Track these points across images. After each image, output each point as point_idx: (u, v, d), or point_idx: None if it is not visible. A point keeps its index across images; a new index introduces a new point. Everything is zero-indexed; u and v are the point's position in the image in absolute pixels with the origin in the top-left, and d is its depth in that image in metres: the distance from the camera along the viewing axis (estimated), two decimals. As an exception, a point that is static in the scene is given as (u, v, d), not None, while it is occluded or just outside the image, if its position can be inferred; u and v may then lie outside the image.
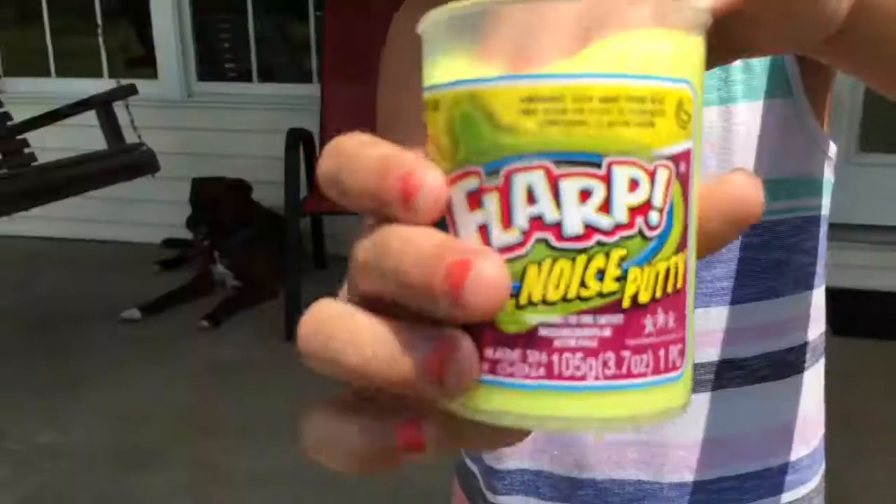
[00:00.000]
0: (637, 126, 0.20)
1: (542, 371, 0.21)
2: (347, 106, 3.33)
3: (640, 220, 0.21)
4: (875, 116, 3.41)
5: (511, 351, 0.21)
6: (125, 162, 3.15)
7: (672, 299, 0.22)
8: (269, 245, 3.47)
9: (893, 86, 0.44)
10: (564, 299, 0.21)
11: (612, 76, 0.20)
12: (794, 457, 0.64)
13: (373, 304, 0.23)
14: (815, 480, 0.66)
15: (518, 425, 0.22)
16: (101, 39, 3.73)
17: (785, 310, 0.60)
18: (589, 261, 0.20)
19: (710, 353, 0.59)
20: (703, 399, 0.60)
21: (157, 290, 3.40)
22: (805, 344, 0.62)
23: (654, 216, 0.21)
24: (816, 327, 0.63)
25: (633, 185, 0.20)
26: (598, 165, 0.20)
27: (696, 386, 0.59)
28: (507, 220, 0.21)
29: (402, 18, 0.63)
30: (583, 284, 0.20)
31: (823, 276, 0.63)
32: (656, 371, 0.21)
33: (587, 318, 0.21)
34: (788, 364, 0.61)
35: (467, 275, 0.20)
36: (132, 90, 3.30)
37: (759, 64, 0.55)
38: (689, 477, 0.61)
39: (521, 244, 0.21)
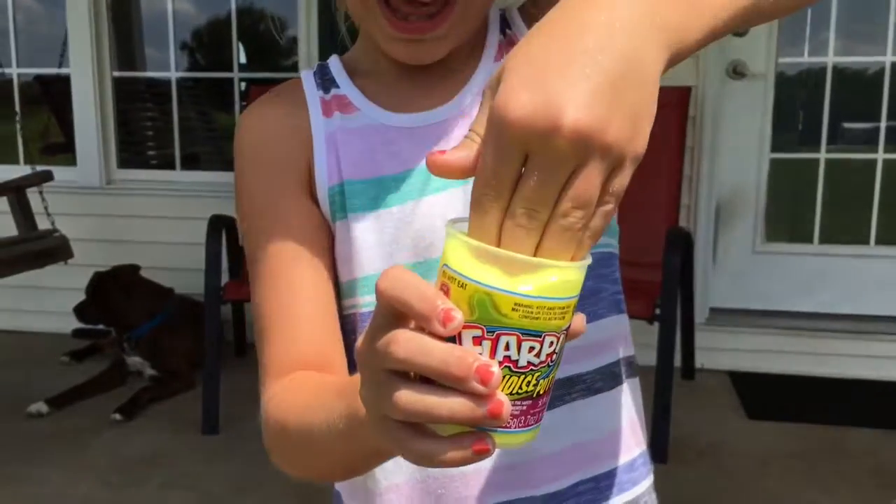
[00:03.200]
0: (558, 319, 0.42)
1: (497, 423, 0.42)
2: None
3: (549, 358, 0.43)
4: (778, 210, 3.60)
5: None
6: (37, 248, 3.04)
7: (548, 392, 0.45)
8: (185, 333, 3.37)
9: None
10: (511, 394, 0.43)
11: (551, 298, 0.41)
12: (632, 455, 0.76)
13: (402, 374, 0.42)
14: (650, 479, 0.79)
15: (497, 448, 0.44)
16: (18, 126, 3.64)
17: (607, 330, 0.75)
18: (524, 377, 0.43)
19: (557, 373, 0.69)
20: (557, 414, 0.70)
21: (66, 382, 3.25)
22: (622, 359, 0.77)
23: (555, 356, 0.44)
24: (628, 346, 0.79)
25: (551, 344, 0.43)
26: (540, 336, 0.42)
27: (550, 403, 0.69)
28: (492, 355, 0.42)
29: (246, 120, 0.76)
30: (520, 388, 0.43)
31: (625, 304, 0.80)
32: (537, 422, 0.45)
33: (518, 402, 0.43)
34: (615, 376, 0.76)
35: (491, 374, 0.40)
36: (48, 176, 3.23)
37: None
38: (554, 486, 0.72)
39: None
